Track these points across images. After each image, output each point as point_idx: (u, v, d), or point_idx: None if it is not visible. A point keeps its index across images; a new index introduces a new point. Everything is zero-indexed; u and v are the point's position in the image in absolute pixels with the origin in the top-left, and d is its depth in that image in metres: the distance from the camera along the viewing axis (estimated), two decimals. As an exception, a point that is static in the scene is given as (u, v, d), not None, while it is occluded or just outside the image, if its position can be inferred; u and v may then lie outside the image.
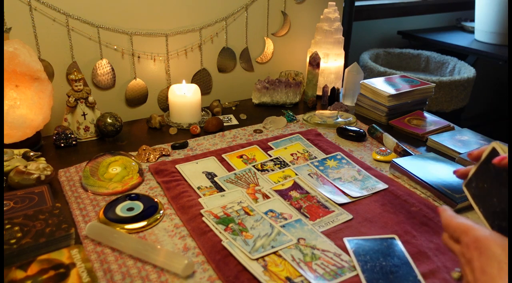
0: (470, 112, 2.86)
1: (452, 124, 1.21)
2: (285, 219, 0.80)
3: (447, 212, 0.57)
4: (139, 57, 1.24)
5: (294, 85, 1.35)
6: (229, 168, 0.99)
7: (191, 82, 1.34)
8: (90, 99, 1.11)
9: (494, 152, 0.61)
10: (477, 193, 0.64)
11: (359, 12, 2.26)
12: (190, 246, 0.74)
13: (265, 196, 0.88)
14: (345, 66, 1.44)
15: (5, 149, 0.93)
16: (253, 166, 0.99)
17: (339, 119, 1.24)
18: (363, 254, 0.72)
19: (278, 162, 1.01)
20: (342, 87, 1.47)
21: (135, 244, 0.71)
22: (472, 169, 0.64)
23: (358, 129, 1.15)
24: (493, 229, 0.58)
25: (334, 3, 1.40)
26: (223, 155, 1.03)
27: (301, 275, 0.67)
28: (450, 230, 0.55)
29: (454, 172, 0.66)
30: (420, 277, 0.67)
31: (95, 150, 1.08)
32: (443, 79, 2.00)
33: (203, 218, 0.79)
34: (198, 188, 0.90)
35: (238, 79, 1.44)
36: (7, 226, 0.71)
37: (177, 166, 0.98)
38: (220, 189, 0.91)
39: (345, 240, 0.75)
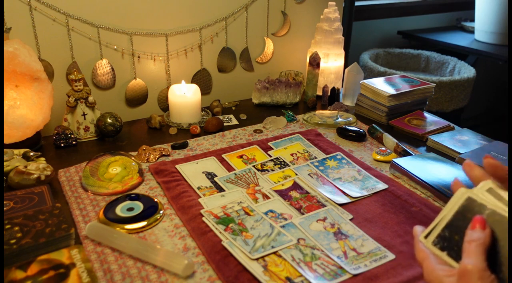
0: (470, 112, 2.86)
1: (452, 124, 1.21)
2: (285, 219, 0.80)
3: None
4: (139, 57, 1.24)
5: (294, 85, 1.35)
6: (229, 168, 0.99)
7: (191, 82, 1.34)
8: (90, 99, 1.11)
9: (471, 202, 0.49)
10: (446, 245, 0.52)
11: (359, 12, 2.25)
12: (190, 246, 0.74)
13: (265, 196, 0.88)
14: (345, 66, 1.44)
15: (5, 149, 0.93)
16: (253, 166, 0.99)
17: (339, 119, 1.24)
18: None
19: (278, 162, 1.01)
20: (342, 87, 1.47)
21: (135, 244, 0.71)
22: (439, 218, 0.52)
23: (358, 129, 1.15)
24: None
25: (334, 3, 1.40)
26: (223, 155, 1.03)
27: (301, 275, 0.67)
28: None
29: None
30: None
31: (95, 150, 1.08)
32: (443, 79, 2.00)
33: (203, 218, 0.79)
34: (198, 188, 0.90)
35: (238, 79, 1.44)
36: (7, 226, 0.71)
37: (177, 166, 0.98)
38: (220, 189, 0.90)
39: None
